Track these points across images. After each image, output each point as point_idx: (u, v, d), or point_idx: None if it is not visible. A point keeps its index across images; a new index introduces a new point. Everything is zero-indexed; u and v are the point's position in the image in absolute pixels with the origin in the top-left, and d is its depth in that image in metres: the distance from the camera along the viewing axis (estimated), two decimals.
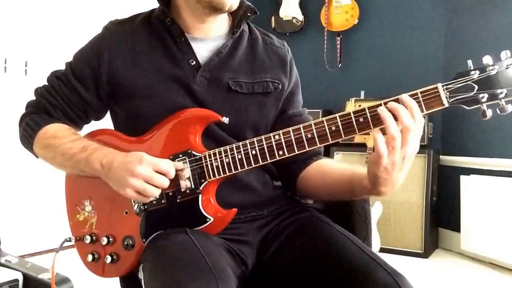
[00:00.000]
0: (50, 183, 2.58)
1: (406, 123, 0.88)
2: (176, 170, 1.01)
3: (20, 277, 1.49)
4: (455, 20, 3.29)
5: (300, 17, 3.90)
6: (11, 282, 1.47)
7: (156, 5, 1.16)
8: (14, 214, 2.85)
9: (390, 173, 0.91)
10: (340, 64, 3.77)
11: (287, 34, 3.91)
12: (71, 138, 1.08)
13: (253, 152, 1.00)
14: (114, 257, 1.07)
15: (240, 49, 1.17)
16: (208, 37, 1.14)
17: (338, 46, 3.76)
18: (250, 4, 1.17)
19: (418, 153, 3.10)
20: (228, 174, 1.02)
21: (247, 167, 1.01)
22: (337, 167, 1.14)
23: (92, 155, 1.03)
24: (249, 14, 1.16)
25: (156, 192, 0.98)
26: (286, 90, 1.20)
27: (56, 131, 1.11)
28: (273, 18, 3.95)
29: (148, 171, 0.96)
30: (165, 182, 0.98)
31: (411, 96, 0.91)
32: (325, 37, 3.78)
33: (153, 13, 1.17)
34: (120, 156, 1.00)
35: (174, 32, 1.12)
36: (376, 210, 3.03)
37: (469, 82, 0.89)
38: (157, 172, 0.97)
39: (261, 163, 1.01)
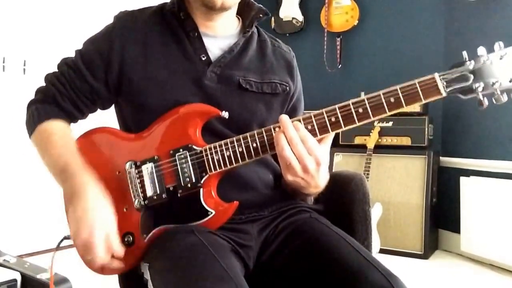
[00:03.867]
0: (48, 183, 2.57)
1: (289, 137, 0.96)
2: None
3: (18, 277, 1.49)
4: (455, 21, 3.29)
5: (300, 18, 3.90)
6: (9, 282, 1.46)
7: (155, 2, 1.16)
8: (13, 214, 2.85)
9: (305, 181, 0.99)
10: (340, 65, 3.77)
11: (287, 34, 3.91)
12: (61, 144, 1.07)
13: (254, 144, 1.00)
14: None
15: (251, 49, 1.18)
16: (218, 34, 1.15)
17: (338, 47, 3.76)
18: (261, 6, 1.18)
19: (418, 154, 3.13)
20: (229, 167, 1.02)
21: (248, 159, 1.01)
22: None
23: (68, 180, 1.02)
24: (260, 16, 1.17)
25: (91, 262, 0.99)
26: (293, 95, 1.22)
27: (50, 134, 1.09)
28: (273, 18, 3.95)
29: (86, 249, 0.96)
30: (93, 266, 1.00)
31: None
32: (325, 38, 3.78)
33: (165, 6, 1.16)
34: (79, 210, 0.97)
35: (187, 26, 1.12)
36: (376, 211, 3.03)
37: (465, 72, 0.93)
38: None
39: (261, 156, 1.01)
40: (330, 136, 1.00)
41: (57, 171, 1.04)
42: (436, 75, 0.93)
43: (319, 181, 1.01)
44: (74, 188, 0.99)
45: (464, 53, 0.93)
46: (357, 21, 3.66)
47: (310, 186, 1.01)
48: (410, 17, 3.51)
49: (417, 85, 0.93)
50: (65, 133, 1.12)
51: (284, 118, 0.97)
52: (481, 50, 0.92)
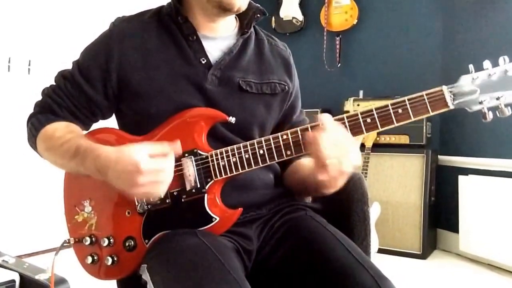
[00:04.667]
0: (48, 183, 2.57)
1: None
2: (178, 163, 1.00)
3: (17, 278, 1.48)
4: (453, 20, 3.29)
5: (300, 17, 3.90)
6: (8, 283, 1.46)
7: (161, 2, 1.15)
8: (12, 214, 2.84)
9: (335, 181, 0.98)
10: (339, 64, 3.77)
11: (287, 34, 3.91)
12: (67, 138, 1.05)
13: (261, 151, 1.00)
14: (115, 259, 1.05)
15: (249, 49, 1.17)
16: (217, 36, 1.14)
17: (338, 46, 3.76)
18: (259, 5, 1.17)
19: (416, 153, 3.12)
20: (235, 173, 1.01)
21: (255, 166, 1.01)
22: (303, 167, 1.15)
23: (85, 159, 0.99)
24: (258, 15, 1.16)
25: (163, 190, 0.95)
26: (291, 93, 1.21)
27: (54, 131, 1.08)
28: (273, 18, 3.95)
29: (150, 178, 0.92)
30: (169, 178, 0.94)
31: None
32: (325, 37, 3.78)
33: (161, 10, 1.15)
34: (112, 162, 0.94)
35: (186, 30, 1.11)
36: (374, 210, 3.03)
37: (471, 86, 0.94)
38: (158, 173, 0.93)
39: (268, 163, 1.01)
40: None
41: (71, 158, 1.02)
42: (444, 87, 0.94)
43: (342, 182, 1.00)
44: (95, 159, 0.97)
45: (471, 67, 0.94)
46: (356, 21, 3.66)
47: (334, 186, 0.99)
48: (409, 16, 3.51)
49: (425, 97, 0.95)
50: (68, 125, 1.10)
51: (326, 118, 0.96)
52: (487, 64, 0.94)
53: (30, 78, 2.94)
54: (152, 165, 0.92)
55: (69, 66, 1.16)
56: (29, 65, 2.96)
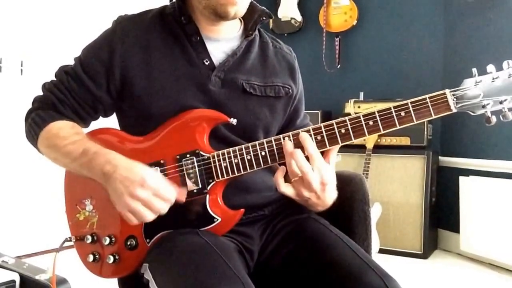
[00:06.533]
0: (48, 184, 2.57)
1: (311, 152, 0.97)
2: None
3: (17, 278, 1.48)
4: (454, 20, 3.29)
5: (299, 18, 3.89)
6: (7, 283, 1.45)
7: (161, 3, 1.15)
8: (11, 215, 2.84)
9: (312, 201, 1.00)
10: (339, 65, 3.77)
11: (285, 35, 3.90)
12: (73, 139, 1.05)
13: (263, 153, 1.00)
14: (116, 257, 1.05)
15: (253, 52, 1.17)
16: (221, 37, 1.14)
17: (337, 47, 3.76)
18: (264, 8, 1.17)
19: (417, 154, 3.12)
20: (236, 174, 1.02)
21: (256, 167, 1.01)
22: None
23: (93, 161, 0.99)
24: (263, 18, 1.16)
25: (151, 217, 0.95)
26: (295, 97, 1.21)
27: (59, 130, 1.07)
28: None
29: (148, 196, 0.92)
30: (164, 209, 0.95)
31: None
32: (324, 38, 3.77)
33: (165, 10, 1.15)
34: (122, 167, 0.95)
35: (189, 30, 1.11)
36: (375, 211, 3.03)
37: (474, 89, 0.94)
38: (158, 196, 0.94)
39: (270, 164, 1.01)
40: (333, 154, 1.01)
41: (77, 158, 1.02)
42: (447, 91, 0.94)
43: (326, 200, 1.01)
44: (105, 163, 0.97)
45: (474, 70, 0.94)
46: (355, 21, 3.65)
47: (318, 205, 1.01)
48: (409, 17, 3.51)
49: (428, 101, 0.95)
50: (73, 126, 1.10)
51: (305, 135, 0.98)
52: (491, 68, 0.93)
53: (22, 79, 2.92)
54: (155, 185, 0.93)
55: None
56: (21, 65, 2.95)
